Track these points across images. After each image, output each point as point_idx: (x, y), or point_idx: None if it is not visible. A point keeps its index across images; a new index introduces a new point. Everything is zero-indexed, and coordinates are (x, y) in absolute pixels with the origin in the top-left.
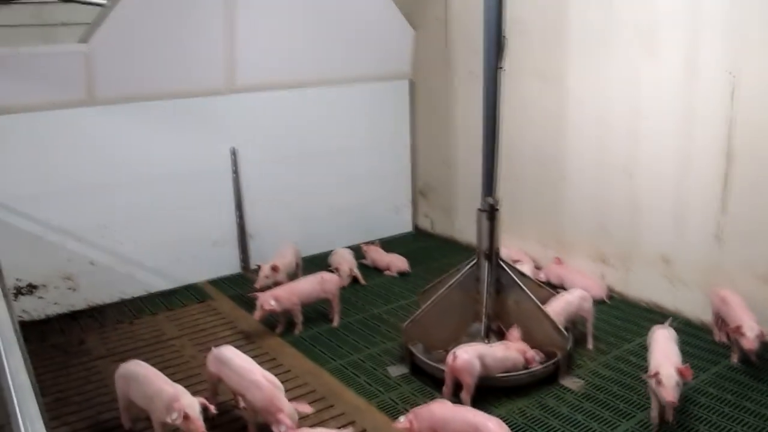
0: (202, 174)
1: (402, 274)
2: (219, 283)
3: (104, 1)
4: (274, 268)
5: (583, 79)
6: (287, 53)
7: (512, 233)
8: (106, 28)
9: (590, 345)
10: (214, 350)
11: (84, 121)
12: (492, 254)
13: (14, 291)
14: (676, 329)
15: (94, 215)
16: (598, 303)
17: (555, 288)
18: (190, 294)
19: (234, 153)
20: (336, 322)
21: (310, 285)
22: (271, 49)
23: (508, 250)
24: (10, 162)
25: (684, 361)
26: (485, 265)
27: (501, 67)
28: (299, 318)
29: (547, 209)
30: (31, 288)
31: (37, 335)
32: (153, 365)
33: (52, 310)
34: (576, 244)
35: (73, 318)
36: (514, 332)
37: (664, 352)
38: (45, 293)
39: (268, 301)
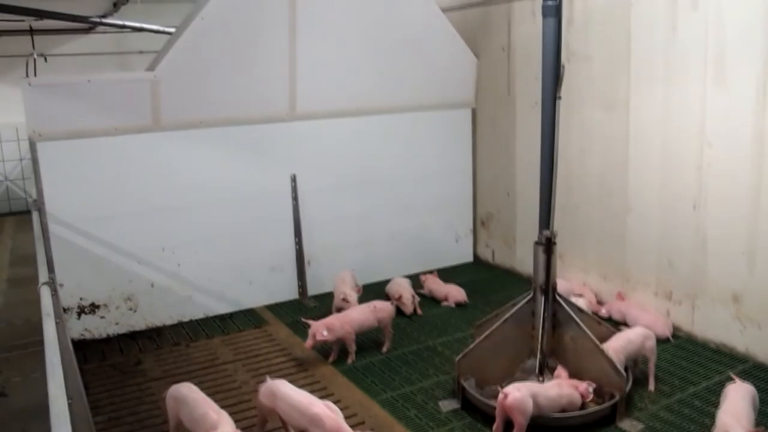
0: (262, 199)
1: (459, 306)
2: (276, 308)
3: (172, 30)
4: (345, 300)
5: (648, 108)
6: (349, 81)
7: (574, 265)
8: (171, 57)
9: (652, 387)
10: (269, 382)
11: (149, 146)
12: (548, 288)
13: (78, 310)
14: (745, 373)
15: (157, 238)
16: (661, 342)
17: (617, 324)
18: (247, 318)
19: (294, 179)
20: (386, 348)
21: (362, 314)
22: (332, 76)
23: (569, 283)
24: (78, 184)
25: (758, 421)
26: (541, 299)
27: (559, 97)
28: (352, 347)
29: (611, 241)
30: (94, 307)
31: (97, 354)
32: (205, 389)
33: (113, 330)
34: (640, 279)
35: (132, 338)
36: (561, 372)
37: (734, 411)
38: (106, 313)
39: (320, 330)
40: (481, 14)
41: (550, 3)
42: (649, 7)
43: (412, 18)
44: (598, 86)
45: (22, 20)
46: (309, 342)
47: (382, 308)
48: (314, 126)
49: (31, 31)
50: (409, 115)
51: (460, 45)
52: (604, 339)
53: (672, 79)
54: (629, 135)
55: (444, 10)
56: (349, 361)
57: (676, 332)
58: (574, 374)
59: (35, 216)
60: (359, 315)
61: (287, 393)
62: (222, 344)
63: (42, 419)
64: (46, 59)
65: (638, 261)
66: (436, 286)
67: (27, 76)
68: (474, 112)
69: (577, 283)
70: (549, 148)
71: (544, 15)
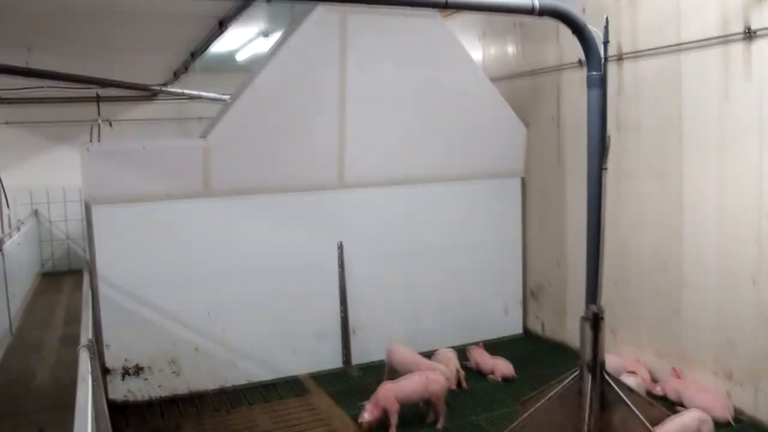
0: (309, 266)
1: (506, 380)
2: (319, 377)
3: (227, 97)
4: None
5: (702, 178)
6: (398, 150)
7: (627, 341)
8: (223, 125)
9: None
10: None
11: (199, 211)
12: (596, 366)
13: (122, 371)
14: None
15: (202, 302)
16: (721, 426)
17: (672, 405)
18: (289, 387)
19: (341, 247)
20: (440, 424)
21: (414, 385)
22: (381, 145)
23: (621, 359)
24: (129, 247)
25: None
26: (588, 377)
27: (605, 168)
28: (394, 419)
29: (665, 317)
30: (138, 369)
31: (138, 417)
32: None
33: (156, 392)
34: (697, 357)
35: (173, 402)
36: None
37: None
38: (150, 375)
39: (362, 414)
40: (530, 84)
41: (595, 74)
42: (700, 77)
43: (461, 88)
44: (649, 156)
45: (90, 88)
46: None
47: (435, 380)
48: (362, 194)
49: (98, 99)
50: (458, 184)
51: (509, 114)
52: (656, 422)
53: (726, 150)
54: (683, 206)
55: (494, 80)
56: None
57: (738, 416)
58: None
59: (86, 277)
60: (410, 385)
61: None
62: (262, 412)
63: None
64: (111, 125)
65: (695, 338)
66: (482, 358)
67: (91, 140)
68: (524, 182)
69: (630, 360)
70: (596, 220)
71: (589, 86)
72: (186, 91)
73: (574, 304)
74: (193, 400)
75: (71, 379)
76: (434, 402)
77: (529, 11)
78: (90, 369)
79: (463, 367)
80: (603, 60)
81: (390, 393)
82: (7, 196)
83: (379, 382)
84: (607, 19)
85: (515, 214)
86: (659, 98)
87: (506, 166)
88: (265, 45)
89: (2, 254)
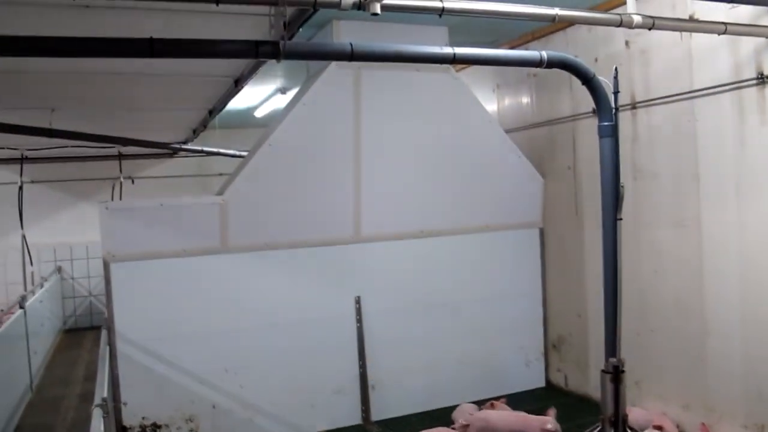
0: (326, 321)
1: None
2: None
3: (245, 153)
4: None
5: (721, 225)
6: (414, 203)
7: (652, 393)
8: (239, 182)
9: None
10: None
11: (217, 267)
12: (618, 421)
13: (139, 429)
14: None
15: (220, 358)
16: None
17: None
18: None
19: (358, 301)
20: None
21: None
22: (397, 199)
23: (647, 412)
24: (147, 304)
25: None
26: None
27: (620, 218)
28: None
29: (690, 367)
30: (155, 427)
31: None
32: None
33: None
34: (726, 410)
35: None
36: None
37: None
38: None
39: None
40: (546, 134)
41: (606, 124)
42: (715, 123)
43: (476, 140)
44: (667, 204)
45: (112, 147)
46: None
47: None
48: (379, 248)
49: (120, 157)
50: (476, 236)
51: (525, 165)
52: None
53: (745, 195)
54: (703, 254)
55: (509, 131)
56: None
57: None
58: None
59: (104, 334)
60: None
61: None
62: None
63: None
64: (133, 181)
65: (722, 389)
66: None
67: (113, 197)
68: (542, 232)
69: (656, 413)
70: (612, 270)
71: (601, 135)
72: (205, 149)
73: (596, 356)
74: None
75: None
76: None
77: (537, 63)
78: (102, 429)
79: None
80: (614, 110)
81: None
82: (31, 254)
83: None
84: (616, 69)
85: (534, 265)
86: (675, 145)
87: (524, 217)
88: (282, 101)
89: (24, 312)
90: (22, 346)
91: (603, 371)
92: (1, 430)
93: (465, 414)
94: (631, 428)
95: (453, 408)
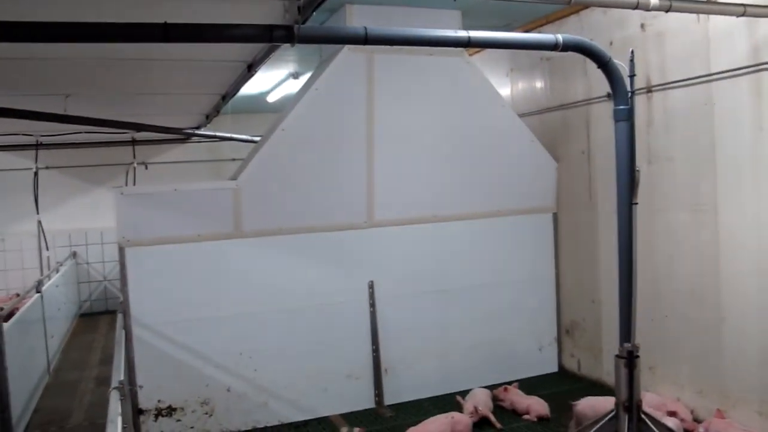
0: (339, 306)
1: (541, 420)
2: (351, 417)
3: (258, 139)
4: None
5: (738, 209)
6: (427, 188)
7: (666, 379)
8: (253, 167)
9: None
10: None
11: (230, 252)
12: (632, 406)
13: (155, 412)
14: None
15: (234, 342)
16: None
17: None
18: (321, 427)
19: (371, 286)
20: None
21: (439, 426)
22: (410, 184)
23: (660, 397)
24: (162, 289)
25: None
26: (624, 418)
27: (635, 203)
28: None
29: (705, 353)
30: (171, 410)
31: None
32: None
33: None
34: (741, 396)
35: None
36: None
37: None
38: (183, 416)
39: None
40: (560, 118)
41: (621, 107)
42: (732, 107)
43: (489, 124)
44: (682, 188)
45: (126, 133)
46: None
47: (460, 421)
48: (392, 233)
49: (133, 142)
50: (489, 221)
51: (539, 150)
52: None
53: (763, 180)
54: (719, 239)
55: (522, 116)
56: None
57: None
58: None
59: (119, 318)
60: (435, 427)
61: None
62: None
63: None
64: (146, 167)
65: (737, 376)
66: (517, 398)
67: (127, 183)
68: (556, 217)
69: (670, 399)
70: (627, 255)
71: (617, 119)
72: (218, 134)
73: (610, 341)
74: None
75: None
76: None
77: (553, 47)
78: (120, 411)
79: (498, 407)
80: (630, 93)
81: None
82: (47, 239)
83: (411, 423)
84: (632, 52)
85: (548, 250)
86: (691, 129)
87: (538, 202)
88: (295, 86)
89: (41, 296)
90: (40, 330)
91: (617, 356)
92: (20, 411)
93: (477, 399)
94: (645, 413)
95: (465, 392)
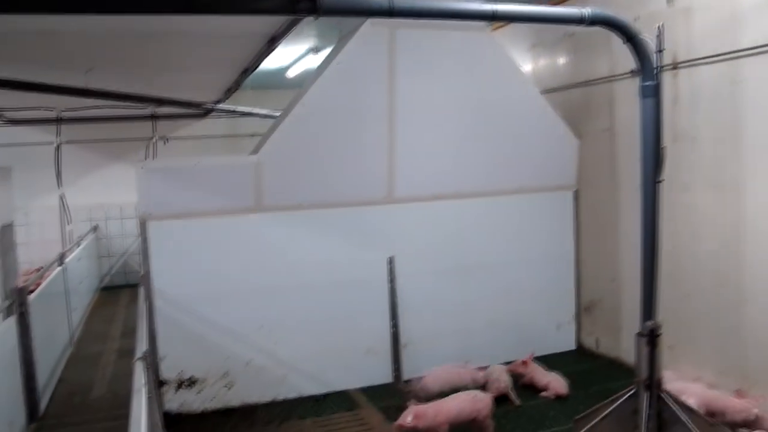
0: (359, 282)
1: (559, 398)
2: (370, 392)
3: (278, 114)
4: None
5: (764, 190)
6: (448, 164)
7: (685, 358)
8: (273, 141)
9: None
10: None
11: (251, 227)
12: (652, 384)
13: (176, 383)
14: None
15: (255, 316)
16: None
17: (734, 427)
18: (339, 401)
19: (391, 262)
20: None
21: (460, 404)
22: (431, 160)
23: (678, 376)
24: (183, 262)
25: None
26: (644, 396)
27: (660, 180)
28: None
29: (726, 334)
30: (192, 382)
31: (192, 429)
32: None
33: (209, 405)
34: (761, 376)
35: (225, 415)
36: None
37: None
38: (203, 388)
39: (405, 417)
40: (582, 95)
41: (648, 83)
42: (761, 84)
43: (511, 100)
44: (707, 167)
45: (146, 107)
46: (397, 423)
47: (482, 398)
48: (412, 209)
49: (153, 117)
50: (509, 198)
51: (561, 127)
52: None
53: None
54: (743, 219)
55: (544, 92)
56: None
57: None
58: None
59: (142, 291)
60: (456, 405)
61: None
62: (313, 426)
63: None
64: (165, 142)
65: (759, 356)
66: (537, 374)
67: (146, 158)
68: (576, 195)
69: (689, 378)
70: (650, 233)
71: (643, 96)
72: (238, 109)
73: (629, 320)
74: (245, 413)
75: (127, 392)
76: (481, 421)
77: (579, 21)
78: (145, 380)
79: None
80: (657, 69)
81: (438, 413)
82: (69, 212)
83: (429, 399)
84: (660, 26)
85: (568, 228)
86: (717, 107)
87: (558, 180)
88: (314, 61)
89: (64, 269)
90: (62, 303)
91: (639, 334)
92: (45, 381)
93: (497, 376)
94: (665, 392)
95: (484, 368)
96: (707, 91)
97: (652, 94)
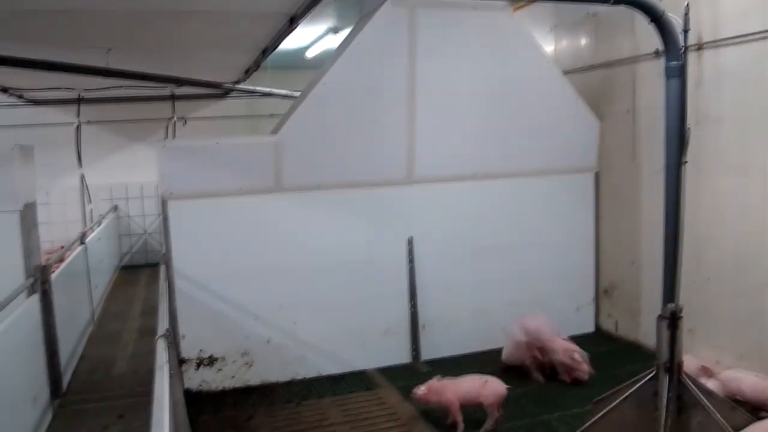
0: (379, 262)
1: (576, 382)
2: (388, 372)
3: (297, 94)
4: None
5: None
6: (468, 145)
7: (705, 342)
8: (293, 121)
9: None
10: None
11: (271, 207)
12: (673, 367)
13: (197, 361)
14: None
15: (274, 295)
16: None
17: (757, 411)
18: (358, 380)
19: (411, 243)
20: (483, 429)
21: (469, 386)
22: (451, 141)
23: (699, 361)
24: (203, 241)
25: None
26: (665, 378)
27: (684, 162)
28: (458, 417)
29: (748, 318)
30: (212, 360)
31: (212, 406)
32: None
33: (229, 383)
34: None
35: (246, 393)
36: None
37: None
38: (223, 366)
39: (419, 388)
40: (604, 76)
41: (674, 64)
42: None
43: (532, 82)
44: (730, 150)
45: (165, 87)
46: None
47: (492, 385)
48: (432, 190)
49: (173, 97)
50: (529, 180)
51: (582, 108)
52: (739, 428)
53: None
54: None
55: (565, 73)
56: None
57: None
58: None
59: (162, 270)
60: (466, 386)
61: None
62: (332, 405)
63: None
64: (184, 122)
65: None
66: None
67: (166, 138)
68: (597, 177)
69: (709, 362)
70: (674, 216)
71: (668, 76)
72: (258, 89)
73: (649, 303)
74: (265, 391)
75: (147, 370)
76: (486, 407)
77: (603, 0)
78: (167, 358)
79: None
80: (683, 49)
81: (447, 389)
82: (90, 191)
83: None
84: (687, 5)
85: (588, 210)
86: (743, 89)
87: (579, 162)
88: (334, 42)
89: (85, 248)
90: (84, 281)
91: (660, 317)
92: (68, 357)
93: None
94: (686, 375)
95: (500, 350)
96: (733, 72)
97: (677, 74)
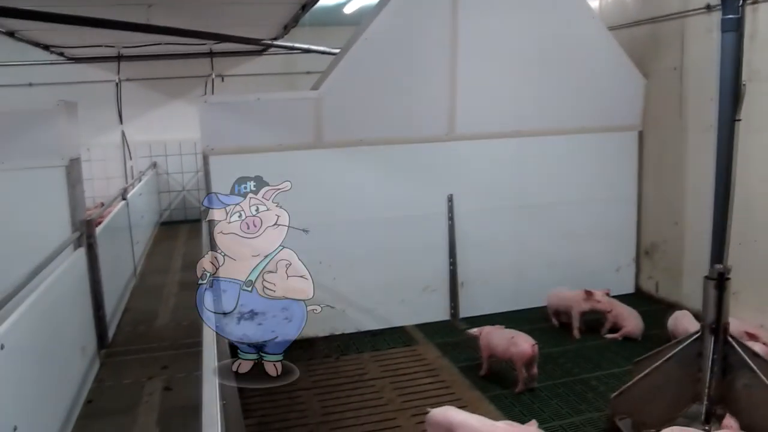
0: (418, 219)
1: (628, 339)
2: (426, 328)
3: (336, 51)
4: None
5: None
6: (510, 102)
7: (749, 305)
8: (335, 77)
9: None
10: (438, 413)
11: (311, 163)
12: (719, 328)
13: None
14: None
15: (314, 252)
16: None
17: None
18: (396, 336)
19: (450, 200)
20: (517, 389)
21: (499, 339)
22: (493, 97)
23: (741, 322)
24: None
25: None
26: (710, 340)
27: (738, 119)
28: (485, 363)
29: None
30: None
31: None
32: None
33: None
34: None
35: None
36: (731, 422)
37: None
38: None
39: (474, 329)
40: (650, 31)
41: (730, 16)
42: None
43: (576, 37)
44: None
45: (204, 44)
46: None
47: (519, 343)
48: (473, 147)
49: (211, 54)
50: (571, 138)
51: (627, 64)
52: None
53: None
54: None
55: (611, 28)
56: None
57: None
58: (746, 427)
59: (204, 225)
60: (497, 340)
61: (464, 420)
62: (371, 360)
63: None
64: (222, 79)
65: None
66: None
67: (205, 95)
68: (641, 136)
69: (753, 326)
70: (724, 175)
71: (724, 29)
72: (296, 45)
73: (692, 264)
74: (304, 346)
75: (189, 322)
76: (513, 363)
77: None
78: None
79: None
80: (741, 1)
81: (485, 337)
82: (131, 148)
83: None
84: None
85: (631, 169)
86: None
87: (623, 120)
88: None
89: (127, 203)
90: (126, 236)
91: (707, 277)
92: (113, 310)
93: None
94: (732, 336)
95: (539, 309)
96: None
97: (733, 27)
